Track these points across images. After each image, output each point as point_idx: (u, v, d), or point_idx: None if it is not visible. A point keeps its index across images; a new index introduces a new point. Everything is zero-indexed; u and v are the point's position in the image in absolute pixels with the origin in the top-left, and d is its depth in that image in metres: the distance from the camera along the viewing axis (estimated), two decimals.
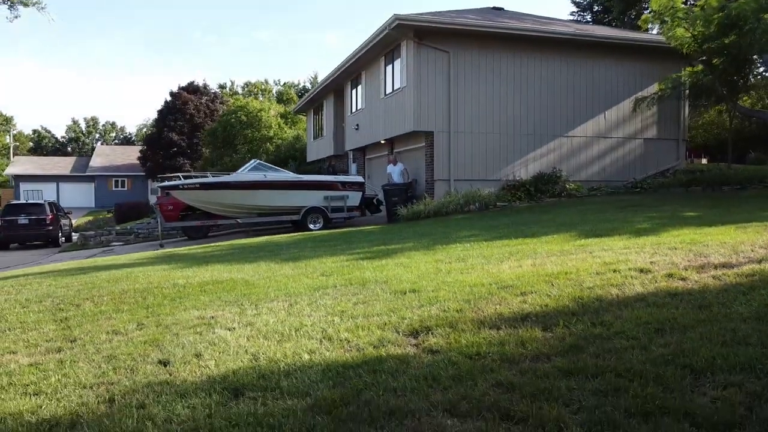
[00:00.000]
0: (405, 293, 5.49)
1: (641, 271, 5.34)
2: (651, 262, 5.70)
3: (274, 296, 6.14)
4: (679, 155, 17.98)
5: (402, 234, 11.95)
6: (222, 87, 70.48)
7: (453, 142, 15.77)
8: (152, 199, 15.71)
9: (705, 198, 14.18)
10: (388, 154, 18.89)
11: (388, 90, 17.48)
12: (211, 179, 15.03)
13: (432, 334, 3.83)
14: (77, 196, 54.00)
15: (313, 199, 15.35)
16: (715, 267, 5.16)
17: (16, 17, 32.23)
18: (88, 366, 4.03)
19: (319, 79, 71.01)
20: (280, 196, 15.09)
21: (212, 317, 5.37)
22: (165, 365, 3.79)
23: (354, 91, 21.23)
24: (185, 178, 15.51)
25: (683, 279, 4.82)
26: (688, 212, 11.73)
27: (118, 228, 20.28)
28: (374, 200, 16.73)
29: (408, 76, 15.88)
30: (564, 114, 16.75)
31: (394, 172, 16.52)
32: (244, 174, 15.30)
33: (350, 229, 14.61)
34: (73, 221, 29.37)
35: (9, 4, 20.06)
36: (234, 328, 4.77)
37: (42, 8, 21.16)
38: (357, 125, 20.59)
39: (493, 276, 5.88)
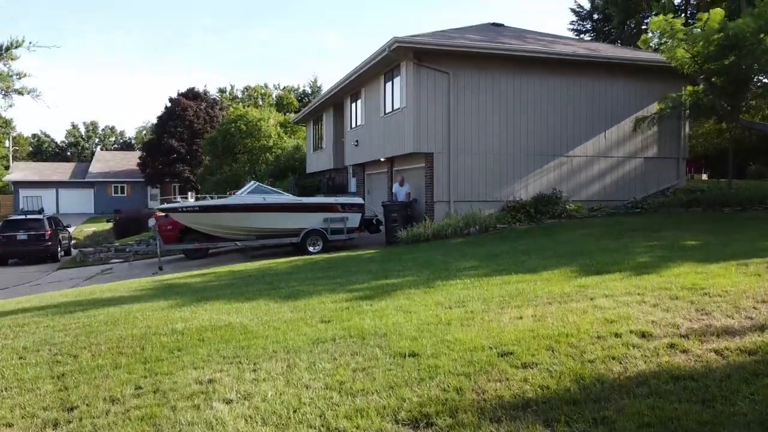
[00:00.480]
0: (405, 357, 5.44)
1: (643, 335, 5.30)
2: (653, 322, 5.66)
3: (273, 352, 6.09)
4: (680, 174, 17.95)
5: (402, 262, 11.90)
6: (222, 91, 70.46)
7: (453, 163, 15.73)
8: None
9: (705, 221, 14.14)
10: (388, 170, 18.84)
11: (388, 109, 17.44)
12: (210, 202, 15.02)
13: (432, 426, 3.79)
14: (76, 202, 53.95)
15: (313, 221, 15.32)
16: (717, 334, 5.12)
17: (11, 106, 32.22)
18: None
19: (319, 83, 71.27)
20: (280, 219, 15.05)
21: (210, 381, 5.32)
22: None
23: (354, 105, 21.20)
24: (184, 199, 15.46)
25: (685, 351, 4.78)
26: (689, 240, 11.70)
27: (117, 244, 20.26)
28: (374, 220, 16.70)
29: (407, 96, 15.84)
30: (564, 134, 16.72)
31: (400, 193, 16.48)
32: (243, 197, 15.27)
33: (349, 253, 14.56)
34: (72, 229, 29.35)
35: (3, 93, 20.05)
36: (232, 401, 4.72)
37: (37, 96, 21.19)
38: (356, 141, 20.55)
39: (494, 336, 5.83)
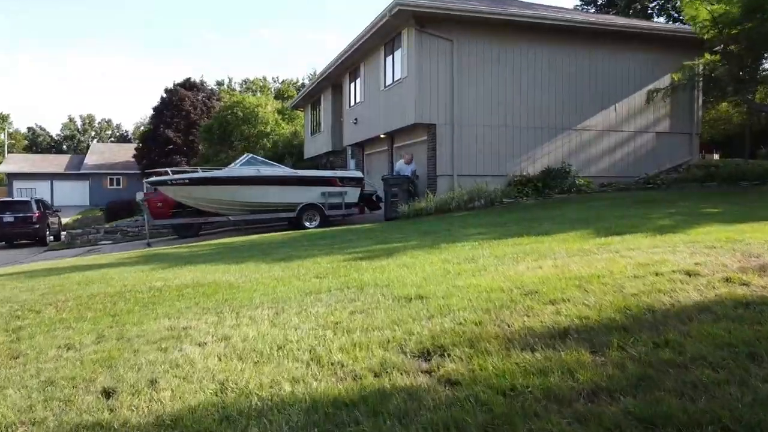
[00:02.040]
0: (410, 300, 4.69)
1: (688, 274, 4.54)
2: (696, 264, 4.90)
3: (259, 302, 5.33)
4: (692, 150, 17.19)
5: (403, 232, 11.15)
6: (220, 84, 69.60)
7: (457, 136, 14.96)
8: (139, 195, 14.76)
9: (723, 194, 13.37)
10: (388, 148, 18.07)
11: (388, 81, 16.67)
12: (200, 174, 14.22)
13: (448, 356, 3.03)
14: (72, 195, 53.15)
15: (310, 195, 14.55)
16: None
17: None
18: (16, 395, 3.22)
19: (318, 72, 70.28)
20: (275, 193, 14.28)
21: (184, 328, 4.57)
22: (108, 396, 2.99)
23: (353, 84, 20.42)
24: (174, 173, 14.68)
25: (745, 284, 4.01)
26: (709, 209, 10.94)
27: (106, 226, 19.46)
28: (373, 197, 15.93)
29: (409, 65, 15.07)
30: (573, 106, 15.95)
31: (404, 171, 15.62)
32: (236, 169, 14.49)
33: (348, 227, 13.80)
34: (65, 219, 28.55)
35: None
36: (206, 344, 3.97)
37: None
38: (356, 119, 19.78)
39: (512, 279, 5.07)
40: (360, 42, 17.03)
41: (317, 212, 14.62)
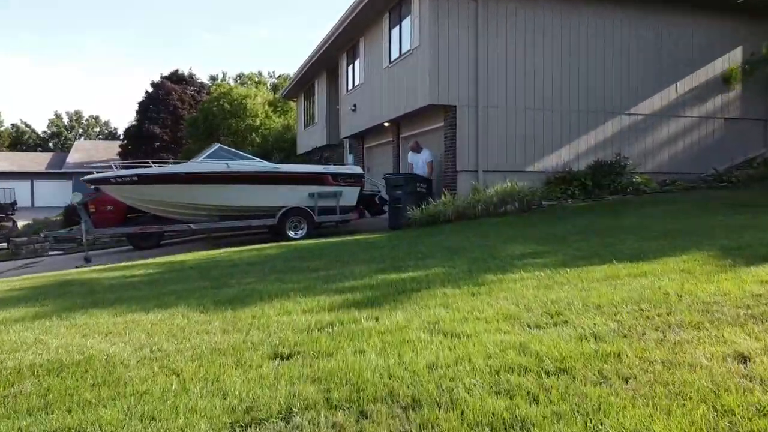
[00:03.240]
0: None
1: None
2: None
3: None
4: (766, 140, 14.01)
5: (420, 248, 7.98)
6: (213, 78, 66.38)
7: (482, 121, 11.78)
8: (75, 197, 11.50)
9: None
10: (393, 140, 14.89)
11: (394, 56, 13.50)
12: (152, 170, 11.00)
13: None
14: (53, 194, 49.94)
15: (295, 196, 11.37)
16: None
17: None
18: None
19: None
20: (249, 193, 11.11)
21: None
22: None
23: (350, 66, 17.25)
24: (123, 167, 11.52)
25: None
26: None
27: (57, 233, 16.27)
28: (376, 198, 12.74)
29: (421, 33, 11.90)
30: (626, 84, 12.78)
31: (417, 163, 12.44)
32: (199, 163, 11.31)
33: (344, 238, 10.62)
34: (26, 222, 25.41)
35: None
36: None
37: None
38: (354, 106, 16.62)
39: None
40: (358, 9, 13.85)
41: (304, 218, 11.43)
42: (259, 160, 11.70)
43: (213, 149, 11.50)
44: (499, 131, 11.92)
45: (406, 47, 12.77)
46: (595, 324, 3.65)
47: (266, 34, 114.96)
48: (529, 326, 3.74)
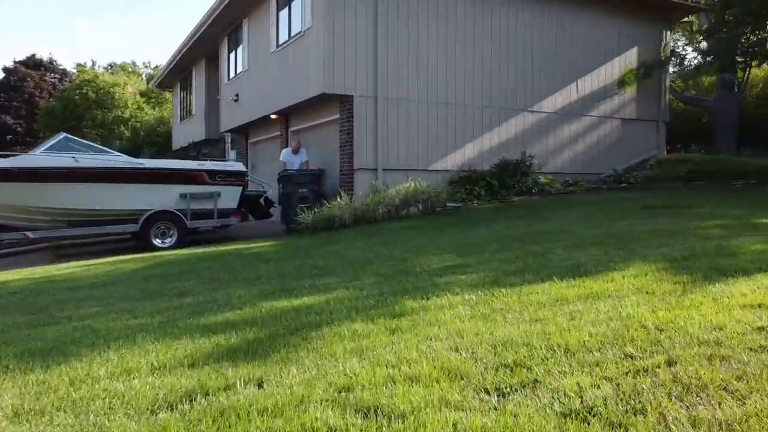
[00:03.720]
0: None
1: None
2: None
3: None
4: (659, 141, 14.11)
5: (315, 260, 6.60)
6: (81, 67, 60.29)
7: (381, 114, 10.60)
8: None
9: (736, 196, 10.14)
10: (281, 133, 13.34)
11: (283, 38, 11.97)
12: None
13: None
14: None
15: (162, 198, 9.50)
16: None
17: None
18: None
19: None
20: (105, 194, 9.11)
21: None
22: None
23: (233, 51, 15.43)
24: None
25: None
26: (761, 218, 7.48)
27: None
28: (261, 199, 11.14)
29: (314, 12, 10.50)
30: (529, 82, 12.19)
31: (294, 163, 11.13)
32: (39, 156, 9.10)
33: (224, 247, 8.96)
34: None
35: None
36: None
37: None
38: (236, 96, 14.84)
39: None
40: None
41: (174, 223, 9.58)
42: (117, 153, 9.67)
43: (57, 139, 9.30)
44: (400, 126, 10.80)
45: (296, 29, 11.30)
46: (579, 386, 2.50)
47: (146, 21, 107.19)
48: (486, 391, 2.53)
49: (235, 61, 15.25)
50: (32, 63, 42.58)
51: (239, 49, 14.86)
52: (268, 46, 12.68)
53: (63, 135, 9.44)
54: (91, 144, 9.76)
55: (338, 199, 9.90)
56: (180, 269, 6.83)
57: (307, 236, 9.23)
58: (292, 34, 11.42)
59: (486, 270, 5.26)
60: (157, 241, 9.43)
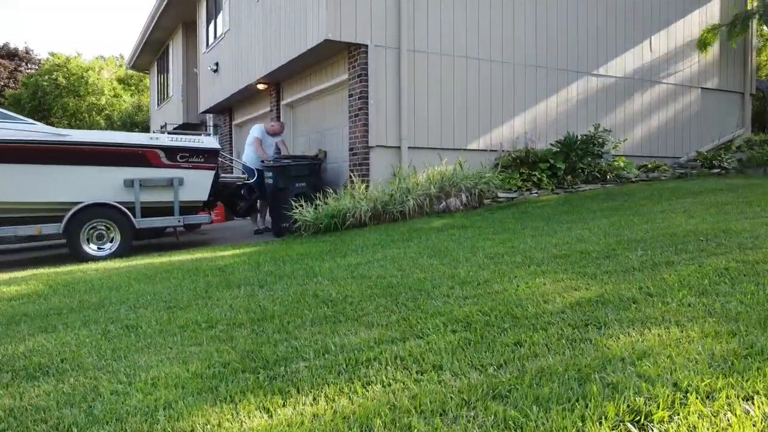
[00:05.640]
0: None
1: None
2: None
3: None
4: (745, 117, 11.31)
5: (322, 281, 3.73)
6: (55, 54, 57.06)
7: (407, 72, 7.74)
8: None
9: None
10: (272, 107, 10.48)
11: None
12: None
13: None
14: None
15: (96, 185, 6.61)
16: None
17: None
18: None
19: None
20: (10, 179, 6.23)
21: None
22: None
23: (212, 14, 12.56)
24: None
25: None
26: None
27: None
28: (242, 190, 8.21)
29: None
30: (595, 35, 9.36)
31: (269, 146, 8.35)
32: None
33: (181, 257, 6.08)
34: None
35: None
36: None
37: None
38: (216, 65, 12.01)
39: None
40: None
41: (116, 223, 6.69)
42: (31, 121, 6.78)
43: None
44: (430, 89, 7.95)
45: None
46: None
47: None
48: None
49: (215, 24, 12.40)
50: (5, 52, 39.55)
51: (223, 10, 12.00)
52: None
53: None
54: (5, 111, 6.82)
55: (348, 188, 7.08)
56: (62, 303, 3.90)
57: (305, 239, 6.41)
58: None
59: (671, 320, 2.44)
60: (90, 248, 6.56)
